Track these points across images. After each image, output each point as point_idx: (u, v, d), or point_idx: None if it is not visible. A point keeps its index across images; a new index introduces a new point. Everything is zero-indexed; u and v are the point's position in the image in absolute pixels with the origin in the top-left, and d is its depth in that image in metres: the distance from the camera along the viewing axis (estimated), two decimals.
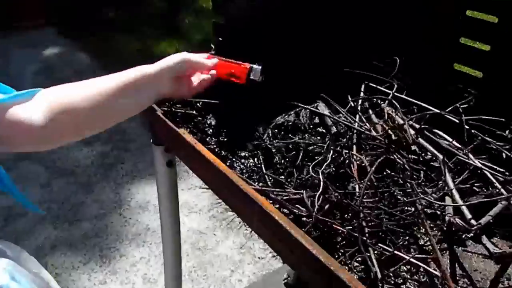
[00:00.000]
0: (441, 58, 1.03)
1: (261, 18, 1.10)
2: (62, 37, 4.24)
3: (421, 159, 0.90)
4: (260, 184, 0.86)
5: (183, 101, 1.06)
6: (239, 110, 1.07)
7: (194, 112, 1.06)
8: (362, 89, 0.99)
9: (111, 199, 2.45)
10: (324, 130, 1.00)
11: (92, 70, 3.63)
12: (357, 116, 0.93)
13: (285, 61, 1.11)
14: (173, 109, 1.04)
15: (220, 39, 1.10)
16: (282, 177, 0.88)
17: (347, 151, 0.86)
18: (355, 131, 0.90)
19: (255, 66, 0.94)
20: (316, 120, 1.04)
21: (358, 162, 0.85)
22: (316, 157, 0.91)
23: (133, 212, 2.37)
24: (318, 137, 0.99)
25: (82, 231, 2.25)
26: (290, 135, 0.99)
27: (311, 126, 1.02)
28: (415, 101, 0.91)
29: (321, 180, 0.76)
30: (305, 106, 0.98)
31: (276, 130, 1.01)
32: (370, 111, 0.97)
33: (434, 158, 0.87)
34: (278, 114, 1.05)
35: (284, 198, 0.80)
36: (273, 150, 0.93)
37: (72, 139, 0.85)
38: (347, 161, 0.86)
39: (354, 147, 0.87)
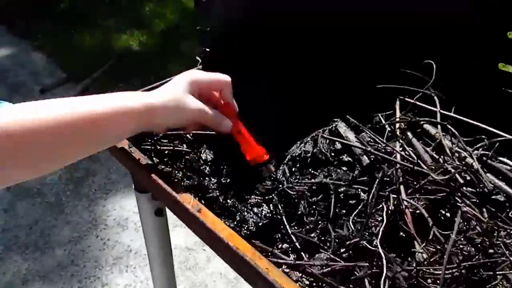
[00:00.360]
0: (484, 57, 0.84)
1: (259, 20, 0.88)
2: (12, 35, 3.86)
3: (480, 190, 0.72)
4: (292, 258, 0.66)
5: (170, 135, 0.84)
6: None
7: (184, 147, 0.84)
8: (397, 106, 0.79)
9: (85, 219, 2.21)
10: (350, 159, 0.80)
11: (49, 71, 3.32)
12: (398, 144, 0.73)
13: (291, 72, 0.90)
14: (158, 147, 0.82)
15: (208, 49, 0.88)
16: (313, 234, 0.68)
17: (394, 195, 0.66)
18: (393, 161, 0.71)
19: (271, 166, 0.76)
20: (338, 145, 0.84)
21: (411, 210, 0.65)
22: (349, 201, 0.72)
23: (111, 232, 2.14)
24: (344, 168, 0.79)
25: (56, 260, 2.01)
26: (310, 169, 0.79)
27: (333, 154, 0.82)
28: (472, 122, 0.72)
29: (378, 248, 0.56)
30: (326, 136, 0.78)
31: (290, 162, 0.80)
32: (410, 135, 0.77)
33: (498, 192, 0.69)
34: (289, 141, 0.84)
35: (325, 270, 0.60)
36: (294, 194, 0.73)
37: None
38: (390, 205, 0.66)
39: (402, 188, 0.67)
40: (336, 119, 0.87)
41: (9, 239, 2.10)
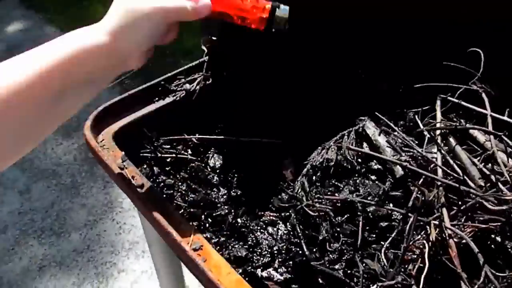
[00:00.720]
0: None
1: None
2: (25, 9, 3.76)
3: None
4: None
5: (172, 140, 0.73)
6: (252, 142, 0.75)
7: (189, 152, 0.74)
8: (438, 107, 0.67)
9: (100, 201, 2.15)
10: (380, 167, 0.69)
11: None
12: (439, 156, 0.61)
13: (311, 62, 0.78)
14: (159, 154, 0.72)
15: (214, 38, 0.76)
16: (337, 265, 0.58)
17: (435, 221, 0.55)
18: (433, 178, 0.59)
19: (282, 6, 0.60)
20: (365, 146, 0.72)
21: (456, 240, 0.54)
22: (380, 223, 0.61)
23: (127, 215, 2.08)
24: (373, 177, 0.68)
25: (72, 245, 1.97)
26: (334, 180, 0.68)
27: (360, 160, 0.70)
28: None
29: None
30: (352, 148, 0.66)
31: (311, 172, 0.69)
32: (452, 141, 0.65)
33: None
34: (308, 146, 0.73)
35: None
36: (315, 214, 0.62)
37: None
38: (431, 236, 0.55)
39: (445, 212, 0.56)
40: (363, 118, 0.76)
41: (25, 222, 2.07)
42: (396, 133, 0.71)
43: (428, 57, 0.77)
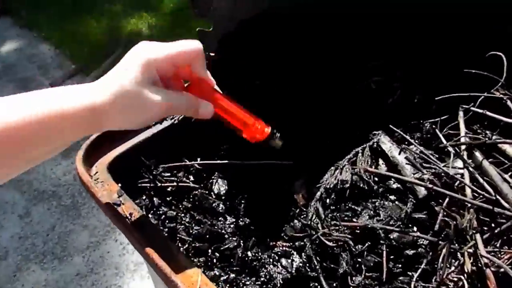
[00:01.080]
0: None
1: (276, 12, 0.70)
2: (19, 28, 3.72)
3: None
4: None
5: (172, 167, 0.68)
6: (259, 165, 0.69)
7: (191, 180, 0.68)
8: (461, 118, 0.61)
9: (102, 222, 2.09)
10: (399, 185, 0.63)
11: (58, 63, 3.18)
12: (466, 173, 0.56)
13: (316, 73, 0.73)
14: (159, 183, 0.66)
15: (212, 54, 0.71)
16: None
17: (470, 249, 0.49)
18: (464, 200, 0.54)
19: (278, 134, 0.60)
20: (381, 164, 0.67)
21: (493, 268, 0.49)
22: (405, 251, 0.55)
23: None
24: (392, 197, 0.63)
25: (75, 268, 1.91)
26: (350, 204, 0.62)
27: (376, 179, 0.65)
28: None
29: None
30: (371, 170, 0.61)
31: (325, 195, 0.64)
32: (479, 155, 0.59)
33: None
34: (320, 165, 0.67)
35: None
36: (333, 244, 0.57)
37: None
38: (467, 268, 0.50)
39: (479, 238, 0.50)
40: (376, 132, 0.70)
41: (26, 247, 2.01)
42: (413, 147, 0.66)
43: (443, 62, 0.72)
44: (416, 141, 0.68)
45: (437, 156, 0.65)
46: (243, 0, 0.69)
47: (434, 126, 0.66)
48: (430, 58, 0.75)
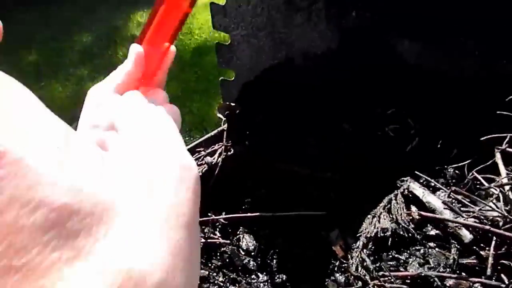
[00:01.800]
0: None
1: (291, 64, 0.70)
2: None
3: None
4: None
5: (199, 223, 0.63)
6: (288, 216, 0.66)
7: (218, 235, 0.64)
8: (499, 160, 0.61)
9: None
10: (438, 231, 0.61)
11: None
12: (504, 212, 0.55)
13: (337, 123, 0.72)
14: None
15: (233, 104, 0.69)
16: None
17: None
18: None
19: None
20: (415, 210, 0.65)
21: None
22: None
23: None
24: (431, 243, 0.60)
25: None
26: (393, 252, 0.59)
27: (413, 226, 0.62)
28: None
29: None
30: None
31: (366, 243, 0.61)
32: None
33: None
34: (352, 214, 0.65)
35: None
36: None
37: None
38: None
39: None
40: (404, 178, 0.69)
41: None
42: (441, 192, 0.65)
43: (451, 108, 0.73)
44: (442, 186, 0.68)
45: (468, 200, 0.64)
46: (263, 51, 0.69)
47: (459, 171, 0.66)
48: (439, 104, 0.77)
